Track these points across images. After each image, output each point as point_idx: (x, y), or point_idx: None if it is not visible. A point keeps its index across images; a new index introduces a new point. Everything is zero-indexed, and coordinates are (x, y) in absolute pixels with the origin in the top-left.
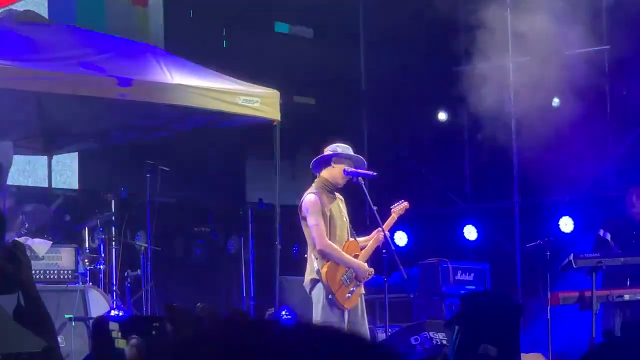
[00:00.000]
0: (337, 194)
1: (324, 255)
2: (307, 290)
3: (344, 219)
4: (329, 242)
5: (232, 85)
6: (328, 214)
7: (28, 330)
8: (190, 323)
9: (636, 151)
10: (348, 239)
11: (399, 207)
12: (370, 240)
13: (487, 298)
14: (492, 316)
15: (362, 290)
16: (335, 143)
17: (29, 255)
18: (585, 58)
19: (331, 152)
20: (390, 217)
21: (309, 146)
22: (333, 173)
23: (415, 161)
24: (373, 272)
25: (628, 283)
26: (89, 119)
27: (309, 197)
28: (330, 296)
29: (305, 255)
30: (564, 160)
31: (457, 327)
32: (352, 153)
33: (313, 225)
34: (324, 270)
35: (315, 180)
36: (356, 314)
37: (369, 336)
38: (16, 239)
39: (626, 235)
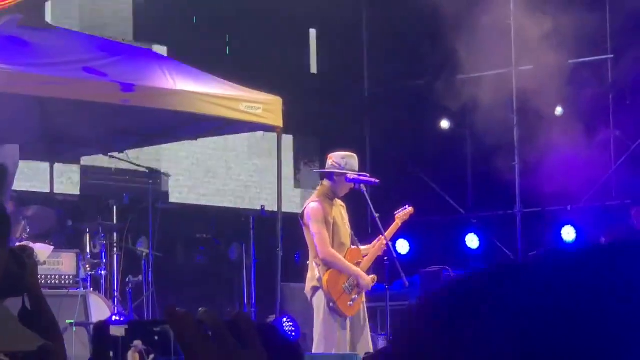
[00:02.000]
0: (339, 201)
1: (326, 264)
2: (308, 298)
3: (347, 226)
4: (332, 250)
5: (235, 92)
6: (331, 221)
7: (31, 331)
8: (192, 327)
9: (639, 160)
10: (351, 247)
11: (403, 213)
12: (373, 248)
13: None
14: None
15: (364, 298)
16: (340, 152)
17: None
18: (589, 67)
19: (336, 166)
20: (394, 223)
21: (312, 153)
22: (336, 184)
23: (418, 169)
24: (375, 280)
25: None
26: (91, 124)
27: (312, 205)
28: (331, 304)
29: (307, 262)
30: (567, 169)
31: None
32: (356, 164)
33: (316, 234)
34: (325, 278)
35: (318, 188)
36: (358, 322)
37: (370, 343)
38: (18, 243)
39: None
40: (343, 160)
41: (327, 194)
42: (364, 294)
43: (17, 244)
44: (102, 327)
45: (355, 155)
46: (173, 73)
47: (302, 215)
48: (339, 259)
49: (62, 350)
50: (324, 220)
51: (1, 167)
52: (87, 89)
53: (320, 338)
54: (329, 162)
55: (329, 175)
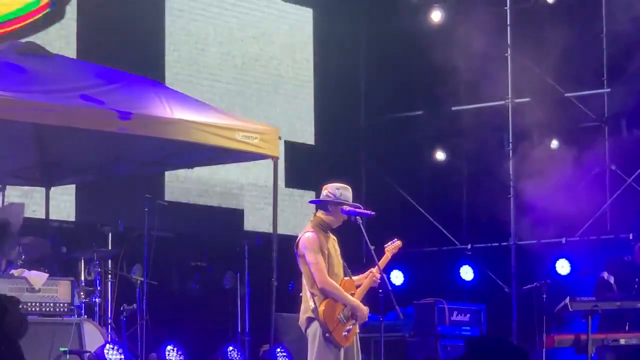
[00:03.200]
0: (331, 234)
1: (325, 293)
2: (303, 329)
3: (339, 257)
4: (330, 279)
5: (232, 121)
6: (326, 252)
7: None
8: None
9: (634, 194)
10: (344, 278)
11: (393, 246)
12: (365, 279)
13: (493, 343)
14: None
15: (358, 329)
16: (333, 183)
17: (25, 287)
18: (585, 100)
19: (331, 197)
20: (385, 256)
21: (308, 183)
22: (330, 216)
23: (413, 200)
24: (368, 314)
25: (627, 327)
26: (87, 151)
27: (307, 236)
28: (327, 334)
29: (301, 294)
30: (562, 202)
31: None
32: (350, 196)
33: (313, 263)
34: (321, 309)
35: (312, 219)
36: (351, 353)
37: None
38: (13, 270)
39: (628, 279)
40: (338, 191)
41: (321, 225)
42: (357, 325)
43: (13, 271)
44: None
45: (349, 187)
46: (170, 101)
47: (297, 245)
48: (337, 288)
49: None
50: (319, 249)
51: (4, 222)
52: (84, 116)
53: None
54: (324, 192)
55: (324, 206)
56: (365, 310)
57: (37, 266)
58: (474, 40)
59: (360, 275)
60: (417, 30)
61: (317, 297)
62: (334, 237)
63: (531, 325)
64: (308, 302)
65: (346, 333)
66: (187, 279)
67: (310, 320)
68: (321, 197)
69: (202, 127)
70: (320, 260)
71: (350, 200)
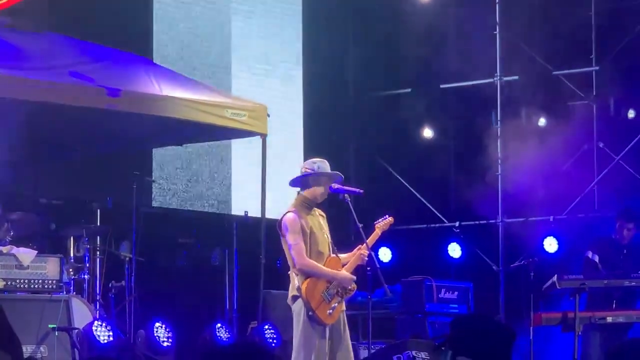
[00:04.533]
0: (318, 210)
1: (304, 274)
2: (291, 307)
3: (325, 235)
4: (308, 260)
5: (220, 98)
6: (308, 231)
7: None
8: None
9: (622, 172)
10: (329, 255)
11: (383, 223)
12: (353, 257)
13: (479, 322)
14: (484, 341)
15: (344, 307)
16: (311, 159)
17: (14, 264)
18: (573, 79)
19: (309, 171)
20: (374, 233)
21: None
22: (312, 192)
23: (401, 178)
24: (356, 287)
25: (614, 305)
26: (76, 127)
27: (288, 216)
28: (310, 313)
29: (288, 273)
30: (550, 180)
31: (449, 352)
32: (329, 169)
33: (292, 245)
34: (303, 287)
35: (295, 198)
36: (338, 330)
37: (351, 352)
38: (1, 247)
39: (613, 257)
40: (315, 164)
41: (304, 203)
42: (343, 303)
43: (1, 248)
44: None
45: (325, 160)
46: (159, 79)
47: (279, 225)
48: (315, 266)
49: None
50: (300, 230)
51: None
52: (73, 93)
53: (298, 347)
54: (302, 170)
55: (304, 183)
56: (349, 278)
57: (25, 243)
58: (462, 17)
59: (348, 253)
60: (406, 7)
61: (300, 276)
62: (322, 214)
63: (519, 303)
64: (294, 280)
65: (331, 311)
66: (175, 256)
67: (295, 299)
68: (299, 175)
69: (190, 104)
70: (299, 241)
71: (329, 170)
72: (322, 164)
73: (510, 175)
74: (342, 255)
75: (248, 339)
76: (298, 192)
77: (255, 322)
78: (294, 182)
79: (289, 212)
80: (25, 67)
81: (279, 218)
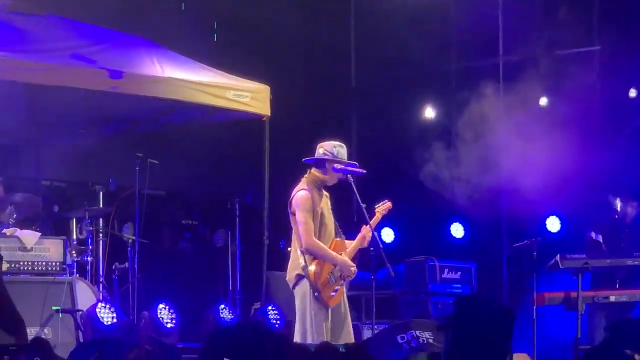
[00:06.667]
0: (325, 192)
1: (310, 253)
2: (291, 286)
3: (332, 217)
4: (315, 240)
5: (223, 80)
6: (319, 211)
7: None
8: None
9: (625, 152)
10: (335, 238)
11: (383, 207)
12: (356, 241)
13: (480, 302)
14: (485, 321)
15: (345, 289)
16: (331, 142)
17: (17, 246)
18: (576, 58)
19: (328, 154)
20: (375, 217)
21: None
22: (326, 174)
23: (403, 158)
24: (356, 271)
25: (617, 285)
26: (78, 110)
27: (301, 194)
28: (316, 294)
29: (289, 249)
30: (552, 159)
31: (450, 331)
32: (345, 154)
33: (302, 223)
34: (311, 268)
35: (306, 175)
36: (339, 312)
37: (351, 334)
38: (5, 229)
39: (615, 237)
40: (335, 149)
41: (316, 182)
42: (345, 285)
43: (5, 230)
44: None
45: (344, 145)
46: (161, 60)
47: (290, 202)
48: (322, 248)
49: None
50: (311, 209)
51: None
52: (76, 75)
53: (302, 326)
54: (320, 150)
55: (320, 164)
56: (350, 266)
57: (29, 225)
58: None
59: (353, 240)
60: None
61: (307, 255)
62: (327, 195)
63: (522, 282)
64: (298, 259)
65: (333, 293)
66: (178, 238)
67: (299, 278)
68: (317, 156)
69: (192, 86)
70: (309, 220)
71: (346, 158)
72: (341, 150)
73: (513, 154)
74: (348, 242)
75: (252, 319)
76: (309, 171)
77: (259, 303)
78: (310, 161)
79: (301, 189)
80: (27, 49)
81: (291, 195)
